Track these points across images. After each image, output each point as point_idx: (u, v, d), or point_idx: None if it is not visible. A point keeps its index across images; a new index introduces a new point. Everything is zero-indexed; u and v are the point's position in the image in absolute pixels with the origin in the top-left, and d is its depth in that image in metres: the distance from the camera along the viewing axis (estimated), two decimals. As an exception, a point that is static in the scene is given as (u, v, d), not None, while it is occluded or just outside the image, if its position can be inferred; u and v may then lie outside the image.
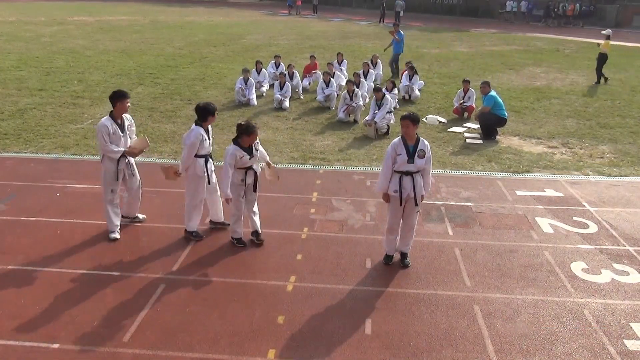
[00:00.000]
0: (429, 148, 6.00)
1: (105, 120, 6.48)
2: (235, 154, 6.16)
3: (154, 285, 5.76)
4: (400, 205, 6.02)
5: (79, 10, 40.75)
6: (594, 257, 6.55)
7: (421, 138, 5.98)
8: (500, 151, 10.39)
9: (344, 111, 12.14)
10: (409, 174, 5.94)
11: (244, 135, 6.16)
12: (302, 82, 14.90)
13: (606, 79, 17.12)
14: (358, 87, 12.64)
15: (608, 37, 16.95)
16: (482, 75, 17.55)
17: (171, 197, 7.91)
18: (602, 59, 17.00)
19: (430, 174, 6.18)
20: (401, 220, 6.16)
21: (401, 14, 36.12)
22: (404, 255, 6.34)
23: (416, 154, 5.89)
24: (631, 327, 5.24)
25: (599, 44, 17.05)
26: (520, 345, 4.96)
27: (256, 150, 6.36)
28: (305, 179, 8.83)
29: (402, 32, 17.42)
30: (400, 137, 5.98)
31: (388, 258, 6.33)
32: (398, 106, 13.05)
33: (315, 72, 15.53)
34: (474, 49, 24.68)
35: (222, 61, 19.84)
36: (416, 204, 6.02)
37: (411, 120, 5.84)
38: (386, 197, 6.11)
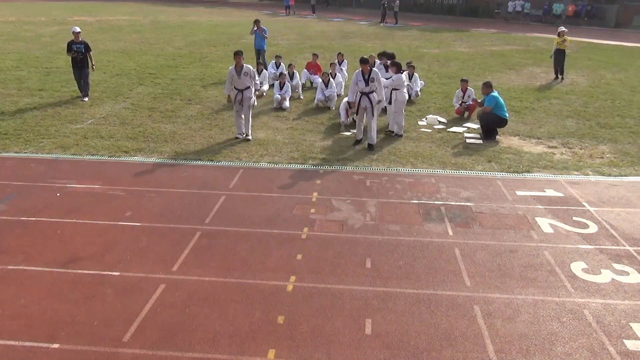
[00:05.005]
0: (378, 74, 10.01)
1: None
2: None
3: (154, 285, 5.76)
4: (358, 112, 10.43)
5: (79, 10, 40.76)
6: (594, 257, 6.54)
7: (373, 69, 10.02)
8: (500, 151, 10.39)
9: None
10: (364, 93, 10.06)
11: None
12: (302, 78, 14.98)
13: (557, 77, 17.34)
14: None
15: (564, 34, 17.11)
16: (482, 75, 17.57)
17: (171, 197, 7.92)
18: (563, 55, 17.16)
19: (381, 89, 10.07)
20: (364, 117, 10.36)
21: (387, 13, 36.94)
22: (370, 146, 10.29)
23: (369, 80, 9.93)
24: (631, 327, 5.24)
25: (564, 40, 16.99)
26: (520, 345, 4.96)
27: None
28: (305, 179, 8.83)
29: (266, 28, 17.42)
30: (360, 70, 9.92)
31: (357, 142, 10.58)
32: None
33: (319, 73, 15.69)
34: (474, 49, 24.69)
35: (222, 61, 19.83)
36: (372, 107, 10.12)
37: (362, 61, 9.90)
38: (354, 105, 10.40)
